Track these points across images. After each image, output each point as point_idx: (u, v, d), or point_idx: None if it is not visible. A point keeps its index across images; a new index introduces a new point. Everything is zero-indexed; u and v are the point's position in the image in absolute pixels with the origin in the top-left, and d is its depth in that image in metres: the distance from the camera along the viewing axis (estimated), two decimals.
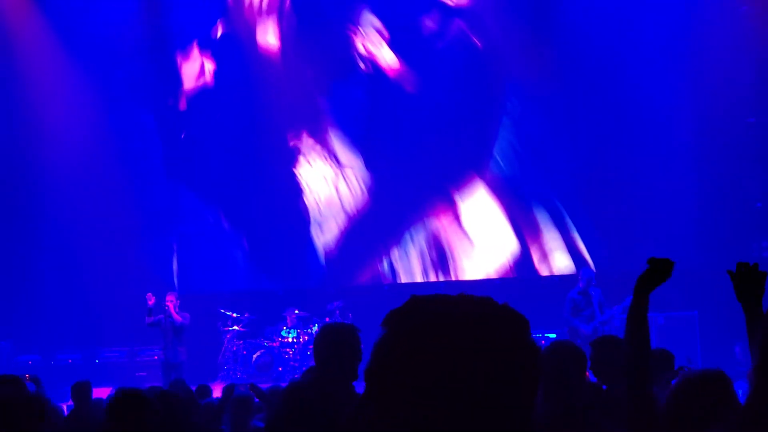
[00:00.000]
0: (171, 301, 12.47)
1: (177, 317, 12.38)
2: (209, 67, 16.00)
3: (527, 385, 1.26)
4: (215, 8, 16.02)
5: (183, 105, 16.04)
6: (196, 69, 16.01)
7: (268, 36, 15.97)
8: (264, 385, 7.01)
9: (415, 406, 1.24)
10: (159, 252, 15.71)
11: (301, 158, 15.92)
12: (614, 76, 14.59)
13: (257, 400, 6.45)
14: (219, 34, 15.96)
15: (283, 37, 15.89)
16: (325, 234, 15.87)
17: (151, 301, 12.38)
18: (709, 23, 14.23)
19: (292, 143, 15.91)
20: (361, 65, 15.71)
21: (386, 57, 15.68)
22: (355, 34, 15.74)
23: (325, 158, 15.88)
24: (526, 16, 15.11)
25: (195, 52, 15.99)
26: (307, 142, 15.92)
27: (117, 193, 15.32)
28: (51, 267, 15.24)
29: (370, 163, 15.73)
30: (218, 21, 15.97)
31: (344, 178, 15.84)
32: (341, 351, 4.01)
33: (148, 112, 16.00)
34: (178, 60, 15.98)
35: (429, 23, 15.54)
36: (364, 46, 15.73)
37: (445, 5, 15.49)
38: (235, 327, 14.13)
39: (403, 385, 1.25)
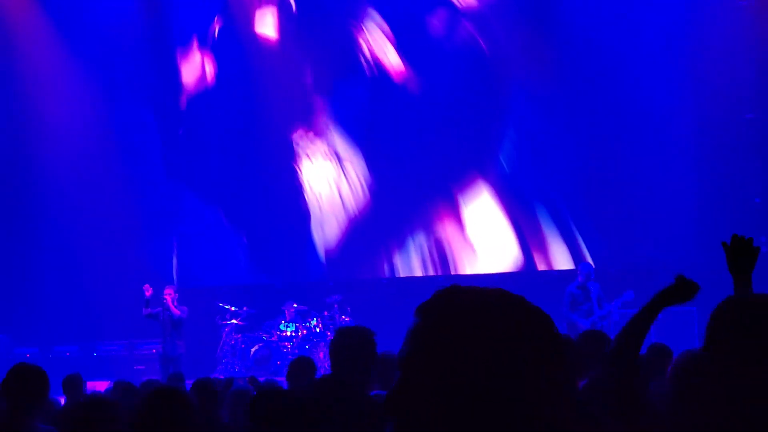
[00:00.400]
0: (169, 294, 12.46)
1: (175, 310, 12.37)
2: (209, 63, 15.96)
3: (559, 371, 1.30)
4: (215, 4, 15.96)
5: (183, 101, 16.00)
6: (196, 66, 15.97)
7: (268, 30, 15.92)
8: (261, 379, 7.01)
9: (449, 391, 1.26)
10: (158, 246, 15.69)
11: (302, 153, 15.90)
12: (614, 72, 14.57)
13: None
14: (219, 30, 15.89)
15: (284, 33, 15.82)
16: (325, 229, 15.85)
17: (149, 292, 12.37)
18: (709, 19, 14.22)
19: (292, 139, 15.88)
20: (364, 63, 15.65)
21: (389, 55, 15.63)
22: (359, 31, 15.68)
23: (326, 153, 15.86)
24: (529, 16, 15.07)
25: (195, 49, 15.95)
26: (307, 138, 15.89)
27: (116, 187, 15.31)
28: (50, 260, 15.23)
29: (371, 159, 15.71)
30: (218, 18, 15.90)
31: (344, 174, 15.82)
32: (358, 355, 3.99)
33: (147, 107, 15.96)
34: (178, 57, 15.94)
35: (434, 23, 15.48)
36: (367, 43, 15.67)
37: (452, 5, 15.41)
38: (234, 320, 14.12)
39: (437, 371, 1.27)
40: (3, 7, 15.31)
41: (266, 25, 15.90)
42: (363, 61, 15.67)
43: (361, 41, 15.68)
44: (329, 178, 15.88)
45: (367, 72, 15.67)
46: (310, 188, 15.90)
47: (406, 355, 1.32)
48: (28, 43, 15.36)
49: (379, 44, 15.65)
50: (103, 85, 15.52)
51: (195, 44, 15.92)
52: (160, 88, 15.88)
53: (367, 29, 15.65)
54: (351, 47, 15.67)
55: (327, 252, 15.79)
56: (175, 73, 15.91)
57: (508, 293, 1.35)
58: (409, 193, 15.35)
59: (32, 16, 15.40)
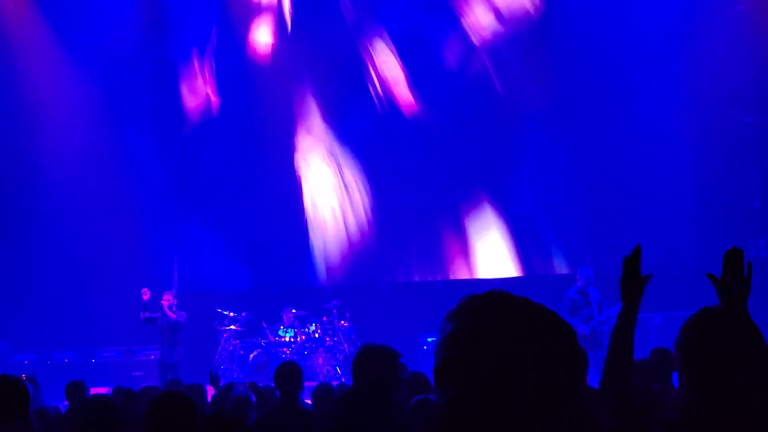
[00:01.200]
0: (167, 300, 12.44)
1: (172, 315, 12.35)
2: (209, 76, 15.96)
3: (578, 367, 1.38)
4: (214, 21, 15.93)
5: (184, 112, 15.99)
6: (196, 79, 15.97)
7: (268, 46, 15.93)
8: (261, 385, 7.00)
9: (491, 388, 1.31)
10: (156, 251, 15.67)
11: (302, 160, 15.90)
12: (612, 76, 14.60)
13: (255, 399, 6.44)
14: (220, 47, 15.88)
15: (288, 50, 15.80)
16: (323, 233, 15.85)
17: (146, 296, 12.35)
18: (706, 23, 14.24)
19: (293, 145, 15.90)
20: (369, 82, 15.67)
21: (397, 79, 15.63)
22: (366, 53, 15.68)
23: (327, 160, 15.86)
24: (529, 28, 15.13)
25: (195, 63, 15.95)
26: (308, 144, 15.90)
27: (115, 193, 15.30)
28: (48, 266, 15.20)
29: (373, 167, 15.72)
30: (218, 35, 15.89)
31: (344, 181, 15.83)
32: (381, 375, 3.93)
33: (148, 115, 15.96)
34: (180, 70, 15.94)
35: (446, 51, 15.49)
36: (373, 64, 15.67)
37: (461, 31, 15.41)
38: (232, 326, 14.08)
39: (478, 370, 1.31)
40: (5, 19, 15.35)
41: (267, 43, 15.90)
42: (367, 79, 15.68)
43: (368, 62, 15.69)
44: (330, 185, 15.88)
45: (372, 91, 15.66)
46: (310, 194, 15.90)
47: (449, 361, 1.34)
48: (28, 50, 15.37)
49: (384, 64, 15.65)
50: (104, 95, 15.51)
51: (195, 60, 15.93)
52: (161, 97, 15.89)
53: (373, 51, 15.66)
54: (357, 67, 15.68)
55: (325, 255, 15.79)
56: (176, 85, 15.91)
57: (531, 301, 1.40)
58: (409, 200, 15.37)
59: (33, 26, 15.43)
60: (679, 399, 2.36)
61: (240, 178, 15.76)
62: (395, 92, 15.64)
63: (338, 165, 15.84)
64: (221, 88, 15.92)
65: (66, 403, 7.30)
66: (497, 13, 15.33)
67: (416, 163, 15.47)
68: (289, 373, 5.44)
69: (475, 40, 15.38)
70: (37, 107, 15.31)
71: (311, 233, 15.85)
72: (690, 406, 2.30)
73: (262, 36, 15.90)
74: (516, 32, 15.24)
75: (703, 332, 2.39)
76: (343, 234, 15.79)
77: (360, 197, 15.78)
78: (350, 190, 15.81)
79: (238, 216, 15.74)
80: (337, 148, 15.81)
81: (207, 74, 15.94)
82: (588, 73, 14.73)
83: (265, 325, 13.95)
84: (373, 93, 15.67)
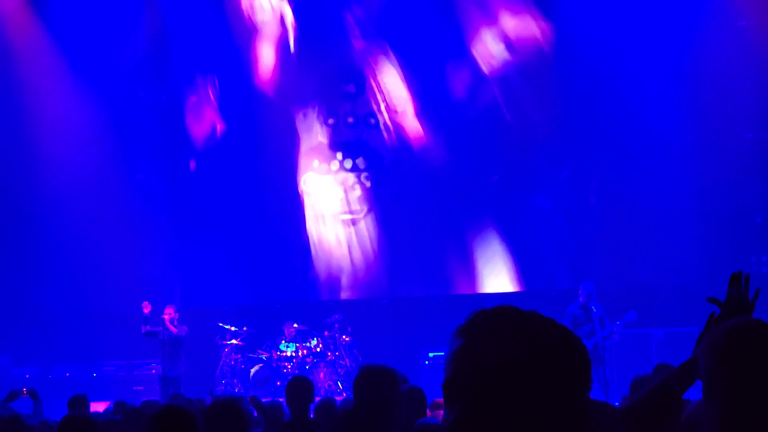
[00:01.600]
0: (169, 314, 12.42)
1: (173, 329, 12.33)
2: (214, 95, 16.02)
3: (584, 383, 1.35)
4: (220, 46, 15.98)
5: (189, 128, 16.03)
6: (202, 98, 16.03)
7: (271, 61, 15.99)
8: (265, 400, 6.97)
9: (501, 403, 1.29)
10: (158, 265, 15.67)
11: (305, 176, 15.93)
12: (615, 93, 14.63)
13: (255, 414, 6.41)
14: (226, 69, 15.94)
15: (293, 73, 15.86)
16: (325, 248, 15.85)
17: (147, 309, 12.34)
18: (707, 39, 14.28)
19: (295, 161, 15.93)
20: (377, 109, 15.73)
21: (404, 104, 15.68)
22: (375, 81, 15.74)
23: (330, 176, 15.89)
24: (540, 61, 15.21)
25: (200, 82, 16.01)
26: (311, 161, 15.93)
27: (117, 206, 15.32)
28: (49, 280, 15.21)
29: (377, 186, 15.74)
30: (226, 59, 15.95)
31: (347, 195, 15.85)
32: (380, 395, 3.94)
33: (153, 131, 16.00)
34: (184, 90, 16.00)
35: (455, 78, 15.55)
36: (381, 90, 15.73)
37: (473, 60, 15.47)
38: (234, 341, 14.06)
39: (488, 386, 1.29)
40: (11, 43, 15.45)
41: (270, 67, 15.95)
42: (374, 102, 15.74)
43: (375, 86, 15.74)
44: (332, 201, 15.89)
45: (376, 110, 15.71)
46: (313, 210, 15.90)
47: (458, 377, 1.32)
48: (35, 75, 15.46)
49: (392, 89, 15.70)
50: (109, 115, 15.58)
51: (199, 80, 15.98)
52: (166, 118, 15.94)
53: (381, 77, 15.71)
54: (363, 91, 15.74)
55: (326, 269, 15.78)
56: (180, 105, 15.95)
57: (540, 315, 1.38)
58: (412, 216, 15.37)
59: (38, 50, 15.52)
60: (710, 417, 2.28)
61: (243, 194, 15.76)
62: (402, 116, 15.68)
63: (342, 182, 15.86)
64: (225, 108, 15.96)
65: None
66: (507, 43, 15.38)
67: (420, 182, 15.48)
68: (301, 389, 5.41)
69: (484, 68, 15.43)
70: (44, 127, 15.36)
71: (313, 248, 15.85)
72: (731, 424, 2.23)
73: (267, 59, 15.96)
74: (525, 62, 15.29)
75: (752, 348, 2.30)
76: (345, 249, 15.79)
77: (363, 213, 15.78)
78: (353, 206, 15.81)
79: (240, 230, 15.73)
80: (341, 166, 15.83)
81: (211, 94, 15.99)
82: (595, 98, 14.75)
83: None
84: (379, 115, 15.70)
